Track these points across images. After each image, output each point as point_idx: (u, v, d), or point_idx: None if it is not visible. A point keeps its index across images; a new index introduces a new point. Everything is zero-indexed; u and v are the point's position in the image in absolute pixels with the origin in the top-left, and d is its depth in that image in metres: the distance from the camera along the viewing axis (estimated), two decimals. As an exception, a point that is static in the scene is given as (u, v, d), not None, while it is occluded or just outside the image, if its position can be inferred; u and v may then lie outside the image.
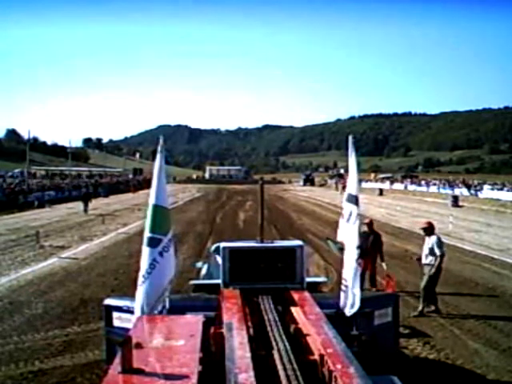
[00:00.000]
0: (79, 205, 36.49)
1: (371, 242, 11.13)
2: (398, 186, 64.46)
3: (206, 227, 23.98)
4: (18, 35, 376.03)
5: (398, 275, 12.16)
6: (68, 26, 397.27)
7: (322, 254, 16.20)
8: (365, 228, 11.25)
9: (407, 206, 36.86)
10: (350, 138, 5.24)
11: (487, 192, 44.27)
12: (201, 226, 24.27)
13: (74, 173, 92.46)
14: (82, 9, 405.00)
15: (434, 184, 55.31)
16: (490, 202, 39.25)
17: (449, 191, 48.22)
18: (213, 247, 7.95)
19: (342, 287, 5.14)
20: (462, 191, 45.99)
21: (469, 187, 46.97)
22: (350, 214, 5.12)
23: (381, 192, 54.52)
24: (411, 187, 59.81)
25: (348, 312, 4.99)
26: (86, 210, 31.86)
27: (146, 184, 70.71)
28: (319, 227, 23.74)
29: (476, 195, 43.77)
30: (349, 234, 5.12)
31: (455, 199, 37.78)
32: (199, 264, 9.31)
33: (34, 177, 75.72)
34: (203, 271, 8.26)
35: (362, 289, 5.46)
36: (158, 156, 4.86)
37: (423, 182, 60.33)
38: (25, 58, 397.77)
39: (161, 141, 4.91)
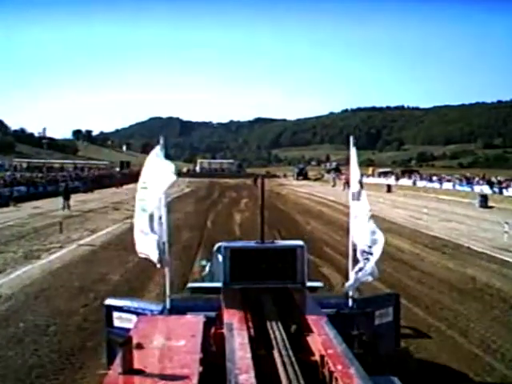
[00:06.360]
0: (50, 203, 32.64)
1: None
2: (404, 181, 59.59)
3: (195, 235, 19.11)
4: (12, 29, 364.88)
5: (488, 333, 7.56)
6: (59, 23, 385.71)
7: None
8: None
9: (427, 206, 31.90)
10: (351, 139, 5.39)
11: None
12: (188, 234, 19.35)
13: (58, 165, 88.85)
14: (73, 7, 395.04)
15: (449, 180, 50.40)
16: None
17: (466, 188, 43.57)
18: (215, 246, 7.77)
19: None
20: (482, 188, 41.22)
21: (491, 184, 42.07)
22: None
23: (389, 188, 49.73)
24: (421, 183, 54.83)
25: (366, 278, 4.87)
26: (67, 207, 28.90)
27: (134, 178, 66.33)
28: (335, 236, 18.88)
29: (501, 193, 38.88)
30: (360, 209, 5.09)
31: (484, 199, 32.87)
32: (203, 262, 9.12)
33: (15, 169, 71.76)
34: (206, 270, 8.24)
35: None
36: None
37: (435, 178, 55.30)
38: (18, 50, 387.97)
39: (161, 140, 5.00)
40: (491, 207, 32.13)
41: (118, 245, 16.91)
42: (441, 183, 51.10)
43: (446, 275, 12.55)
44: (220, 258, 6.03)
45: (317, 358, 3.43)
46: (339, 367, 3.04)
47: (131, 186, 52.39)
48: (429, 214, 26.19)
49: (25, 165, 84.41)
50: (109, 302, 5.53)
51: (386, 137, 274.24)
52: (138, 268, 13.14)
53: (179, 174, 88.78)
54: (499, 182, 42.61)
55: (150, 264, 13.39)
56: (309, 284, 5.38)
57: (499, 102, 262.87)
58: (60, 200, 30.17)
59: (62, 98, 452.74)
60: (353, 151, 5.32)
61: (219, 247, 6.91)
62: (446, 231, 20.39)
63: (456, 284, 11.61)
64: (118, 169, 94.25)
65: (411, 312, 9.16)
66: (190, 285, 7.44)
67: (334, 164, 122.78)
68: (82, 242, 17.44)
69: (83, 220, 23.89)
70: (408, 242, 17.92)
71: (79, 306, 9.49)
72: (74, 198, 33.31)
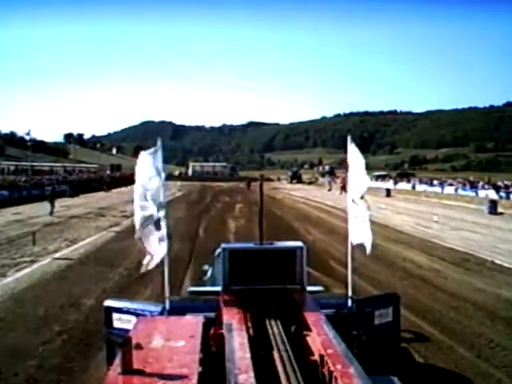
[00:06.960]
0: (33, 208, 30.99)
1: None
2: (403, 185, 57.82)
3: (185, 247, 17.18)
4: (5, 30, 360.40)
5: None
6: (50, 22, 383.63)
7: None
8: None
9: (433, 212, 30.14)
10: (349, 138, 5.47)
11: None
12: (177, 245, 17.36)
13: (47, 168, 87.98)
14: (66, 8, 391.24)
15: (451, 184, 48.58)
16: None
17: (470, 193, 41.89)
18: (217, 251, 6.96)
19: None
20: (487, 193, 39.57)
21: (497, 189, 40.33)
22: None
23: (388, 193, 47.94)
24: (420, 187, 53.05)
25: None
26: (51, 212, 27.75)
27: (124, 181, 64.33)
28: (341, 247, 16.98)
29: (508, 198, 37.08)
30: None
31: (493, 205, 31.05)
32: (206, 267, 8.71)
33: (2, 172, 70.26)
34: (208, 274, 8.09)
35: None
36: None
37: (436, 182, 53.54)
38: (9, 52, 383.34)
39: (158, 143, 5.00)
40: (501, 213, 30.39)
41: (98, 259, 15.04)
42: (442, 187, 49.40)
43: (478, 298, 10.73)
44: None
45: (316, 357, 3.41)
46: (339, 367, 3.01)
47: (123, 189, 50.50)
48: (437, 221, 24.42)
49: (13, 167, 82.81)
50: (108, 303, 5.51)
51: (379, 141, 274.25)
52: (118, 289, 11.24)
53: (170, 177, 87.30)
54: (506, 187, 40.79)
55: (131, 284, 11.53)
56: (309, 288, 5.17)
57: (491, 106, 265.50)
58: (45, 205, 28.59)
59: (53, 101, 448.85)
60: (352, 148, 5.26)
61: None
62: (461, 242, 18.58)
63: (494, 310, 9.79)
64: (108, 172, 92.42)
65: (458, 354, 7.35)
66: (190, 289, 7.49)
67: (327, 167, 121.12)
68: (57, 254, 15.48)
69: (64, 228, 21.89)
70: (422, 255, 16.11)
71: (38, 344, 7.59)
72: (59, 203, 31.33)
